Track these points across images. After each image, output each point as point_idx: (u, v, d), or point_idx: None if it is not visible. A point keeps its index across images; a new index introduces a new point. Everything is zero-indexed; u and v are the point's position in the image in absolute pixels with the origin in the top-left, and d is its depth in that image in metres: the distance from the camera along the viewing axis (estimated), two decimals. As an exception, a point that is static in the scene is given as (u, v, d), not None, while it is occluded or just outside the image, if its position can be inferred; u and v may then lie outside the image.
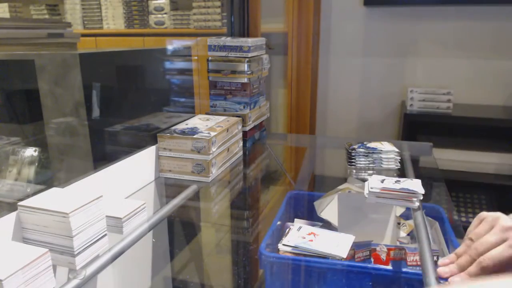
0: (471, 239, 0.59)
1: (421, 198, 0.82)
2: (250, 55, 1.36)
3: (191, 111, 1.39)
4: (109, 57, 1.05)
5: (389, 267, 0.77)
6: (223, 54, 1.38)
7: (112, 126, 1.01)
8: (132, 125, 1.09)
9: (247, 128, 1.39)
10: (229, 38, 1.37)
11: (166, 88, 1.28)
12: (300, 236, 0.80)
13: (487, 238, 0.57)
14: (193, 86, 1.42)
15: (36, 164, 0.91)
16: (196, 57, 1.49)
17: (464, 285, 0.45)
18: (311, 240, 0.79)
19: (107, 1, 2.95)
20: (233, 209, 1.12)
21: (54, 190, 0.69)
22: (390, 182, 0.84)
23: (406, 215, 0.98)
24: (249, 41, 1.35)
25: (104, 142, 0.98)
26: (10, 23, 1.20)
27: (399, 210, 0.96)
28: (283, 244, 0.78)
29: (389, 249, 0.79)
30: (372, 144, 1.25)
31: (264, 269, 0.76)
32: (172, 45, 1.37)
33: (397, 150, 1.22)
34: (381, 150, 1.21)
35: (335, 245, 0.77)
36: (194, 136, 1.10)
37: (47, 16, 2.94)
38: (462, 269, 0.58)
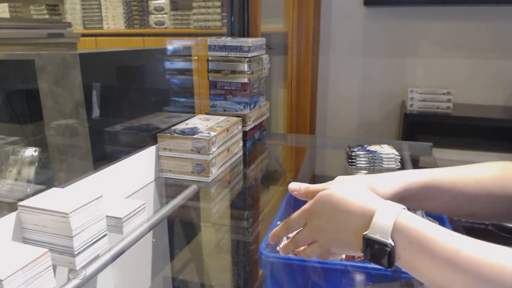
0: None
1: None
2: (250, 55, 1.36)
3: (191, 111, 1.39)
4: (109, 57, 1.05)
5: (389, 267, 0.77)
6: (223, 54, 1.38)
7: (112, 126, 1.01)
8: (132, 125, 1.09)
9: (247, 128, 1.39)
10: (229, 38, 1.37)
11: (166, 88, 1.28)
12: (300, 236, 0.80)
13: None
14: (193, 86, 1.42)
15: (36, 164, 0.91)
16: (196, 57, 1.49)
17: None
18: (311, 240, 0.78)
19: (107, 1, 2.95)
20: (233, 209, 1.12)
21: (54, 190, 0.69)
22: (390, 182, 0.83)
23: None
24: (249, 41, 1.35)
25: (104, 142, 0.98)
26: (10, 23, 1.21)
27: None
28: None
29: (389, 249, 0.79)
30: (372, 148, 1.26)
31: (264, 269, 0.76)
32: (172, 45, 1.37)
33: (396, 153, 1.22)
34: (381, 153, 1.22)
35: (335, 245, 0.77)
36: (194, 136, 1.10)
37: (47, 16, 2.95)
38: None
